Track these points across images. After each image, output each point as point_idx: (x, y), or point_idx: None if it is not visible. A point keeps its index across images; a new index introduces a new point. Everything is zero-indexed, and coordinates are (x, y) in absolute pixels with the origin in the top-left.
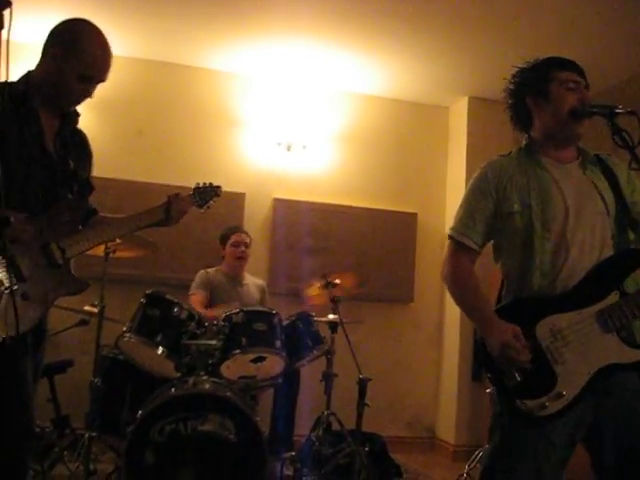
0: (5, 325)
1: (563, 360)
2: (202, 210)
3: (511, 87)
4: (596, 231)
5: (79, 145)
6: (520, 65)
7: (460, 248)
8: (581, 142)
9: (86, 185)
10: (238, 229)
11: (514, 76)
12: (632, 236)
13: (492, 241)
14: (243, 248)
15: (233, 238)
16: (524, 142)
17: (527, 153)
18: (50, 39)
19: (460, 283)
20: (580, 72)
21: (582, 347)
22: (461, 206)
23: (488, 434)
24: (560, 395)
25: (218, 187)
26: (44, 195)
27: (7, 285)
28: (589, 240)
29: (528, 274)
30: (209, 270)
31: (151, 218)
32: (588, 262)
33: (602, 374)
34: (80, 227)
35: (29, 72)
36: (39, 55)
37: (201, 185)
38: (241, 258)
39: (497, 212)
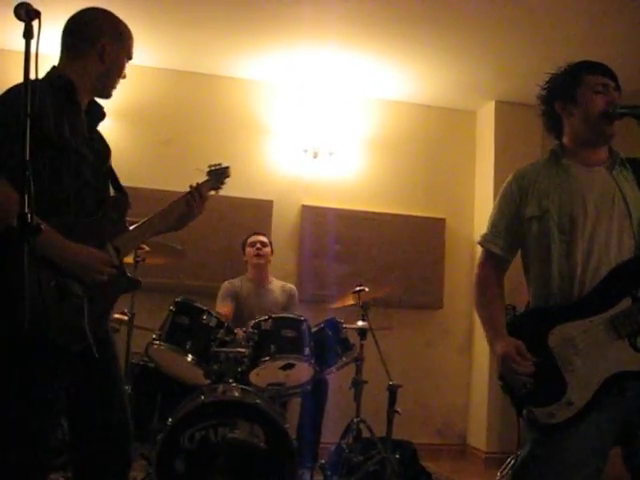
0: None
1: (573, 368)
2: (216, 192)
3: (542, 93)
4: (615, 234)
5: (104, 142)
6: (551, 71)
7: (488, 255)
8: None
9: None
10: (254, 232)
11: (546, 82)
12: None
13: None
14: (259, 245)
15: (251, 240)
16: (553, 148)
17: (554, 158)
18: (90, 31)
19: (480, 292)
20: (610, 75)
21: (592, 355)
22: (491, 215)
23: (520, 443)
24: (569, 403)
25: (227, 167)
26: (93, 196)
27: (79, 295)
28: (608, 243)
29: (548, 277)
30: (233, 280)
31: (180, 209)
32: (607, 265)
33: (614, 382)
34: (127, 224)
35: (56, 68)
36: None
37: (213, 168)
38: (259, 256)
39: (520, 218)
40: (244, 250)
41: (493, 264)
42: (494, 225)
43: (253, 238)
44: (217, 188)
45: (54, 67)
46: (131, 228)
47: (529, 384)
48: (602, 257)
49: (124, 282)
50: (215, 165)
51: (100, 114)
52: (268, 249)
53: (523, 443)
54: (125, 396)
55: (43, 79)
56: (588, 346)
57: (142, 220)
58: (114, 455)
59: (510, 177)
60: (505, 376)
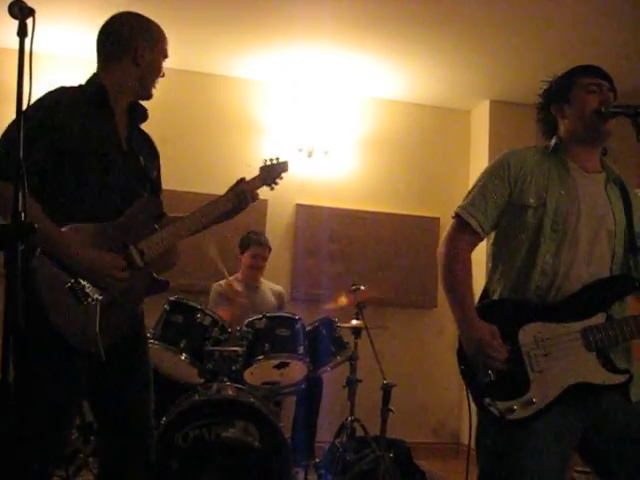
0: (90, 337)
1: (540, 369)
2: (271, 189)
3: (539, 100)
4: (599, 246)
5: (146, 143)
6: (546, 71)
7: (464, 229)
8: (607, 141)
9: (157, 185)
10: (260, 243)
11: (543, 89)
12: (631, 263)
13: (495, 231)
14: (261, 262)
15: (253, 250)
16: (553, 141)
17: (554, 153)
18: (122, 36)
19: (454, 269)
20: (603, 75)
21: (562, 360)
22: (474, 187)
23: (475, 440)
24: (530, 402)
25: (285, 162)
26: (121, 199)
27: (94, 298)
28: (591, 252)
29: (529, 271)
30: (221, 283)
31: (222, 207)
32: (585, 273)
33: (576, 390)
34: (156, 226)
35: (97, 75)
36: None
37: (268, 162)
38: (256, 268)
39: (511, 202)
40: (242, 251)
41: (468, 240)
42: (480, 199)
43: (257, 251)
44: (271, 184)
45: (94, 74)
46: (161, 229)
47: (494, 374)
48: (584, 265)
49: (149, 283)
50: (270, 159)
51: (142, 114)
52: (266, 262)
53: (477, 434)
54: (149, 401)
55: (79, 85)
56: (559, 351)
57: (174, 221)
58: (132, 459)
59: (505, 156)
60: (473, 360)
